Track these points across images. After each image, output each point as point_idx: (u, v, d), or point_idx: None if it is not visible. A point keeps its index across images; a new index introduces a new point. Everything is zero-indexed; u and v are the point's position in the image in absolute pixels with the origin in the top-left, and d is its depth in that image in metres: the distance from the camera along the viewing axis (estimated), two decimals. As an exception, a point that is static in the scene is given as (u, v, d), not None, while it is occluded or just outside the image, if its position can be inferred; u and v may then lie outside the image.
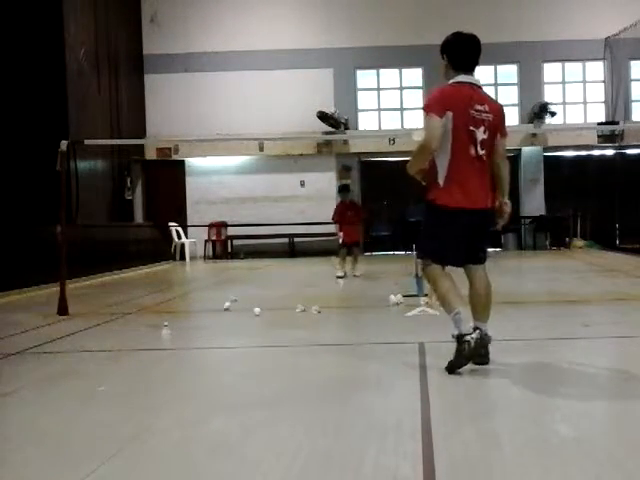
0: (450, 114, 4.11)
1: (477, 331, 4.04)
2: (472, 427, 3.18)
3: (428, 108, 4.13)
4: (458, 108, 4.13)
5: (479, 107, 4.17)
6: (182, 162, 18.50)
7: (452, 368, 4.02)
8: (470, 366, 4.09)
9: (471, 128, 4.14)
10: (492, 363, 4.23)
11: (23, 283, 9.94)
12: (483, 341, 4.08)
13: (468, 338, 3.99)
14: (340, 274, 10.99)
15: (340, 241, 11.61)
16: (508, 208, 4.38)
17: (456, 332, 4.05)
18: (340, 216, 11.53)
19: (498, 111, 4.29)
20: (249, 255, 17.72)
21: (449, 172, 4.17)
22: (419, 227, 4.36)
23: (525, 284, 8.47)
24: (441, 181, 4.18)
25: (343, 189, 11.93)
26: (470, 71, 4.28)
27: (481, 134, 4.16)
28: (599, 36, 17.72)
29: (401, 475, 2.58)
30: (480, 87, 4.30)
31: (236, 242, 18.25)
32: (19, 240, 10.33)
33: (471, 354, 4.01)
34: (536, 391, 3.70)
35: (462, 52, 4.28)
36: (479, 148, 4.18)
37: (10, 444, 3.16)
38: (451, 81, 4.26)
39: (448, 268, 4.33)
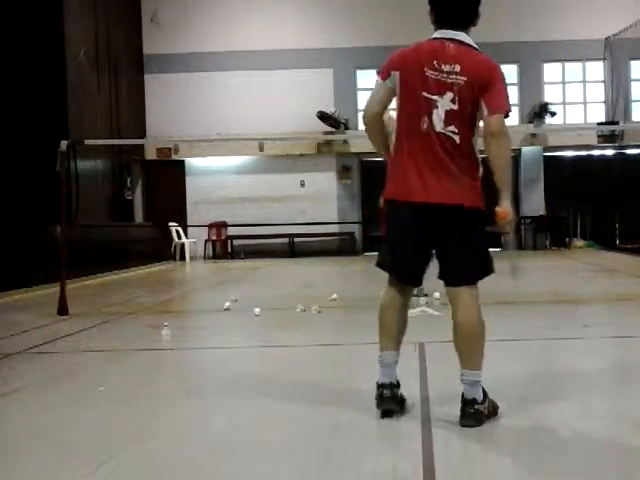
0: (396, 74, 3.14)
1: (378, 389, 3.24)
2: (471, 427, 3.18)
3: (377, 72, 3.24)
4: (407, 66, 3.12)
5: (446, 67, 3.05)
6: (182, 162, 18.48)
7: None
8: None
9: (425, 94, 3.07)
10: (491, 364, 4.20)
11: (23, 283, 9.92)
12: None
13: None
14: None
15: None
16: (504, 214, 3.15)
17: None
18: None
19: (478, 72, 3.08)
20: (249, 255, 17.71)
21: (394, 154, 3.21)
22: None
23: (525, 284, 8.44)
24: (389, 167, 3.26)
25: None
26: (453, 26, 3.12)
27: (446, 103, 3.06)
28: (599, 36, 17.69)
29: (401, 475, 2.58)
30: (462, 43, 3.11)
31: (236, 242, 18.24)
32: (19, 240, 10.32)
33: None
34: (535, 391, 3.70)
35: (439, 1, 3.17)
36: (439, 122, 3.07)
37: (10, 444, 3.16)
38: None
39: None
